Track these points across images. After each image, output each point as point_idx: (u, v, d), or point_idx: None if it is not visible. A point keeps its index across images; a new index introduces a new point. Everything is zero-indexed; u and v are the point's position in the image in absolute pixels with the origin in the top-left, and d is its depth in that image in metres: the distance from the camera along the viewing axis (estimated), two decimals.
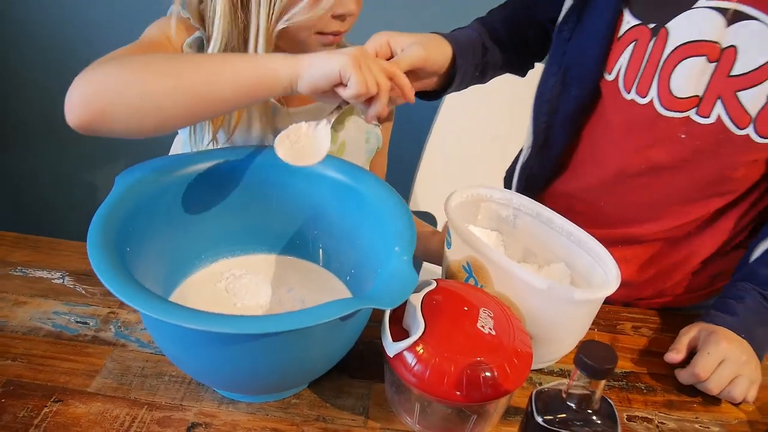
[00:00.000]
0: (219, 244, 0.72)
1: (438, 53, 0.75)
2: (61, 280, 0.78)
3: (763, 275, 0.75)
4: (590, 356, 0.47)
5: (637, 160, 0.77)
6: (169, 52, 0.72)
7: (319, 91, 0.61)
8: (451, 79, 0.79)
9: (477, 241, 0.67)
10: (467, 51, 0.79)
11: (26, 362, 0.65)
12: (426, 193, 1.39)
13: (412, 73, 0.72)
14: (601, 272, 0.68)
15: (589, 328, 0.76)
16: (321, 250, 0.74)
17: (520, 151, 0.91)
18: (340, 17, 0.71)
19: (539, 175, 0.88)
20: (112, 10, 1.53)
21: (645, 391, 0.72)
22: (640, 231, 0.82)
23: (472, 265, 0.69)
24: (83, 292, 0.76)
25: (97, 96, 0.57)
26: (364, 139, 0.87)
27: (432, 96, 0.82)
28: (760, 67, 0.66)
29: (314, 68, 0.60)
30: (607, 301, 0.80)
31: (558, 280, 0.72)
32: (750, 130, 0.70)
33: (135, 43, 0.71)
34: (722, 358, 0.69)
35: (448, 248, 0.73)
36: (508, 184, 0.95)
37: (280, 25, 0.69)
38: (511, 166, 0.96)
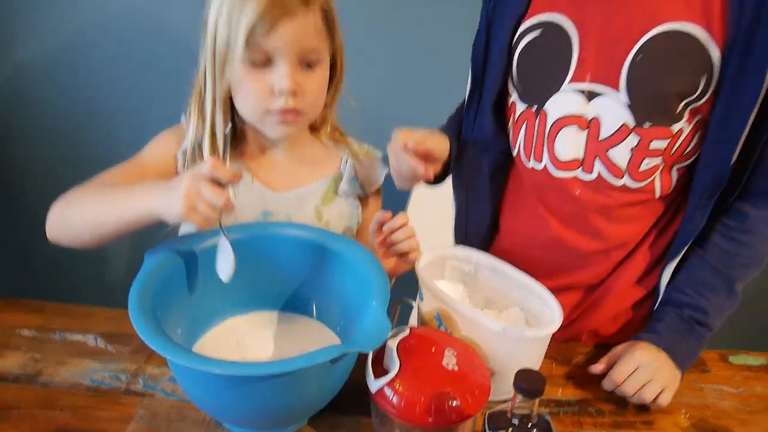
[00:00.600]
0: (229, 305, 0.86)
1: (442, 143, 0.92)
2: (94, 342, 0.91)
3: (677, 298, 0.88)
4: (525, 381, 0.61)
5: (554, 218, 0.92)
6: (139, 169, 0.89)
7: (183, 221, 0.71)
8: (449, 165, 0.96)
9: (444, 295, 0.81)
10: (455, 143, 0.97)
11: (71, 412, 0.78)
12: None
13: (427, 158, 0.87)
14: (549, 313, 0.81)
15: (548, 362, 0.90)
16: (315, 307, 0.88)
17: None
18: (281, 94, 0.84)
19: (472, 238, 1.03)
20: (120, 81, 1.71)
21: (595, 414, 0.84)
22: (571, 280, 0.96)
23: (441, 315, 0.82)
24: (113, 351, 0.89)
25: (50, 220, 0.81)
26: (347, 218, 1.01)
27: (437, 181, 1.00)
28: (618, 129, 0.82)
29: (165, 211, 0.70)
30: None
31: (514, 323, 0.85)
32: (626, 180, 0.86)
33: (128, 162, 0.90)
34: (637, 365, 0.82)
35: (421, 301, 0.87)
36: None
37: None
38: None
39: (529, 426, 0.63)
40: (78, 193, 0.81)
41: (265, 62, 0.83)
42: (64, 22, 1.63)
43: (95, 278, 1.97)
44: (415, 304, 1.54)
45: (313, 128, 1.01)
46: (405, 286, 1.02)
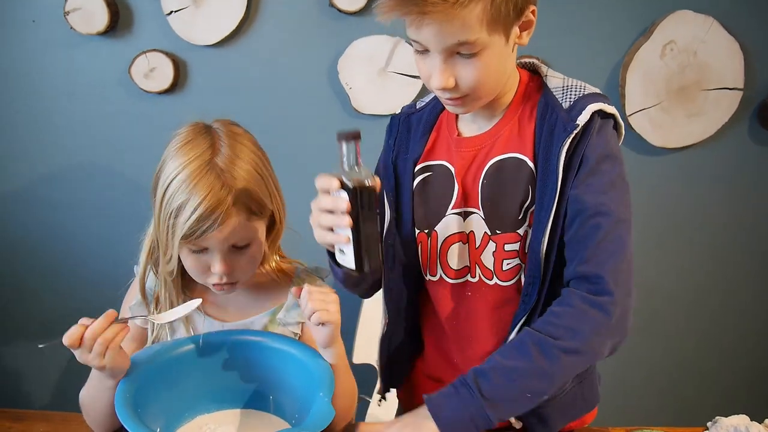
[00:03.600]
0: (198, 403, 0.99)
1: None
2: None
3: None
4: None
5: (458, 321, 1.06)
6: None
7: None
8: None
9: None
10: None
11: None
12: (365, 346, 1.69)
13: None
14: None
15: None
16: (272, 403, 1.02)
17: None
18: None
19: (399, 354, 1.15)
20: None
21: None
22: None
23: None
24: None
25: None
26: None
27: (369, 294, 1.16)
28: (481, 238, 0.99)
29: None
30: None
31: None
32: (496, 280, 1.00)
33: None
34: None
35: None
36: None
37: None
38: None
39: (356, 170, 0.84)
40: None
41: (201, 250, 0.98)
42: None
43: (57, 385, 2.05)
44: (372, 401, 1.68)
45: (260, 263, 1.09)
46: (363, 383, 1.14)
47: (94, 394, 0.95)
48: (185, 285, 1.08)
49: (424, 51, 0.90)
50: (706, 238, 1.95)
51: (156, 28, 1.75)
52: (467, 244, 1.02)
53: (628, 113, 1.78)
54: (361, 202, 0.83)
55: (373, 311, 1.54)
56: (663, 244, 1.95)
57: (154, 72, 1.76)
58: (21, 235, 1.93)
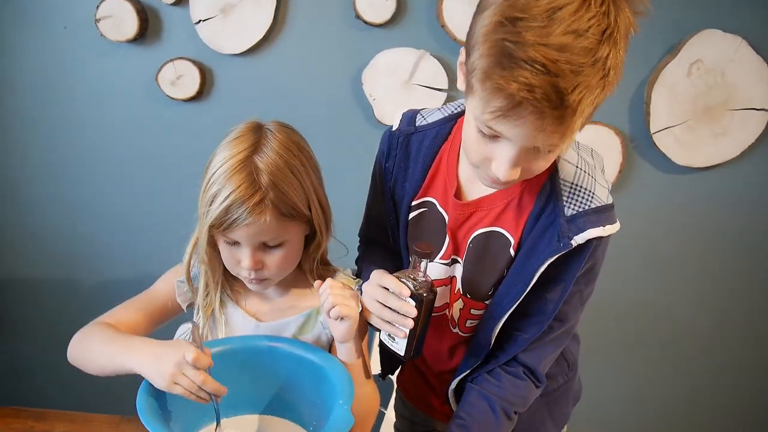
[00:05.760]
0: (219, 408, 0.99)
1: None
2: None
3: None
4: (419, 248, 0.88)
5: (444, 345, 1.11)
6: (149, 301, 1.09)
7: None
8: None
9: None
10: None
11: None
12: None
13: None
14: None
15: None
16: (292, 409, 1.01)
17: None
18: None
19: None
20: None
21: None
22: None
23: None
24: None
25: (69, 351, 1.01)
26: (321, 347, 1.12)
27: None
28: (457, 290, 1.02)
29: (153, 381, 0.88)
30: None
31: None
32: (458, 330, 1.06)
33: (141, 296, 1.09)
34: None
35: None
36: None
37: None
38: None
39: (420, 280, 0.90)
40: (91, 333, 1.01)
41: (232, 243, 0.99)
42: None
43: (87, 384, 2.06)
44: (386, 412, 1.67)
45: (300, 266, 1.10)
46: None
47: (113, 359, 0.96)
48: (227, 280, 1.10)
49: (494, 137, 0.79)
50: (728, 260, 1.92)
51: (184, 36, 1.77)
52: (449, 286, 1.04)
53: (652, 131, 1.76)
54: (424, 309, 0.91)
55: None
56: (683, 265, 1.92)
57: (180, 80, 1.78)
58: (48, 239, 1.96)
